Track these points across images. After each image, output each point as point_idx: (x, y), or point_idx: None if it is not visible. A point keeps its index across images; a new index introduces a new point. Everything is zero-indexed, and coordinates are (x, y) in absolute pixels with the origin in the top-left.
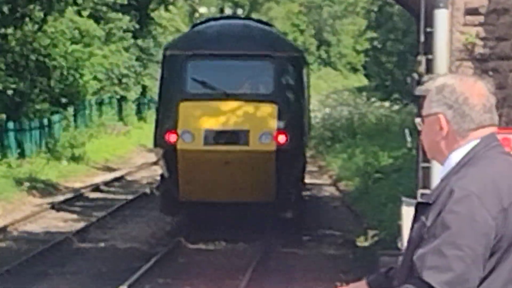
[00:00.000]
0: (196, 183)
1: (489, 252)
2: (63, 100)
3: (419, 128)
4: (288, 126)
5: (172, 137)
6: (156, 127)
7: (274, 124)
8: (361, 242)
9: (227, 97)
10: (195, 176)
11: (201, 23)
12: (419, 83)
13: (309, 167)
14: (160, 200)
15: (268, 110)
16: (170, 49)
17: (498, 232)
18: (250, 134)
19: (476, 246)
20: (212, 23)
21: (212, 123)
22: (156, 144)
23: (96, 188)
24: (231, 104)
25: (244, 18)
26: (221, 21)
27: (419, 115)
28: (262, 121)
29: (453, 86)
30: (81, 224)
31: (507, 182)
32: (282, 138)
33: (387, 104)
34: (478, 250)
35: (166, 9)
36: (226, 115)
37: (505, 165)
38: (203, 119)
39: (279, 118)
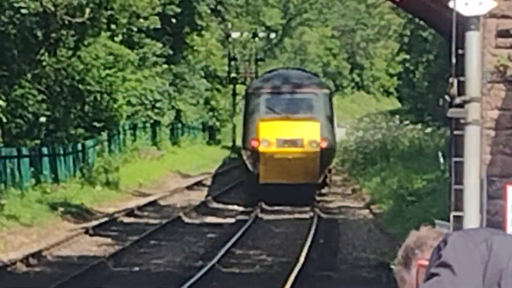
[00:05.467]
0: (270, 171)
1: None
2: (97, 125)
3: None
4: (326, 136)
5: (255, 144)
6: (244, 137)
7: (318, 135)
8: (395, 265)
9: (288, 118)
10: (270, 167)
11: (270, 71)
12: (451, 105)
13: (343, 190)
14: (245, 184)
15: (314, 126)
16: (251, 88)
17: None
18: (304, 141)
19: None
20: (276, 72)
21: (280, 134)
22: (244, 148)
23: (130, 212)
24: (292, 123)
25: (297, 69)
26: (282, 70)
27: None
28: (311, 133)
29: None
30: (115, 249)
31: None
32: (323, 144)
33: (419, 126)
34: None
35: (199, 34)
36: (289, 129)
37: None
38: (274, 132)
39: (321, 131)
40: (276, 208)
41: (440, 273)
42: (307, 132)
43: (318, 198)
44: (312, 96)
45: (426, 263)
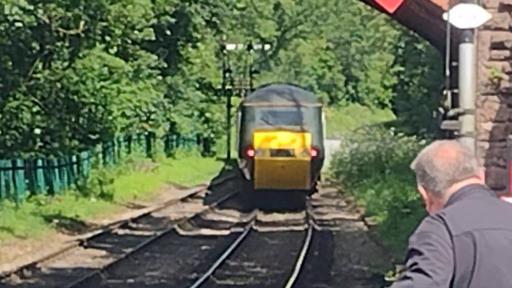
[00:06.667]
0: (264, 178)
1: None
2: (92, 137)
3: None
4: (316, 146)
5: (250, 153)
6: (240, 147)
7: (308, 145)
8: (390, 277)
9: (281, 129)
10: (264, 174)
11: (264, 85)
12: (445, 117)
13: (337, 202)
14: (242, 190)
15: (305, 137)
16: (246, 102)
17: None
18: (295, 150)
19: None
20: (270, 86)
21: (273, 144)
22: (240, 156)
23: (124, 224)
24: (284, 134)
25: (290, 84)
26: (275, 85)
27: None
28: (302, 143)
29: (419, 159)
30: (110, 261)
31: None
32: (313, 153)
33: (414, 138)
34: None
35: (194, 46)
36: (281, 139)
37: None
38: (268, 142)
39: (311, 141)
40: (271, 220)
41: (414, 277)
42: (299, 142)
43: (313, 211)
44: (303, 109)
45: (422, 190)
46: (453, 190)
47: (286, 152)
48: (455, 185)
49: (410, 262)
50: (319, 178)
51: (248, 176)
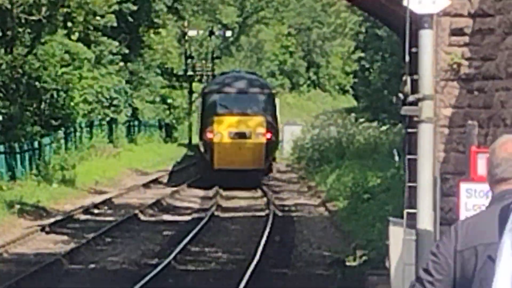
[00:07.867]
0: (223, 159)
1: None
2: (54, 122)
3: None
4: (270, 129)
5: (210, 135)
6: (201, 130)
7: (263, 128)
8: (350, 261)
9: (239, 114)
10: (223, 155)
11: (225, 73)
12: (404, 103)
13: (299, 188)
14: (202, 170)
15: (260, 120)
16: (207, 88)
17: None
18: (252, 133)
19: None
20: (229, 74)
21: (232, 127)
22: (200, 139)
23: (86, 210)
24: (241, 118)
25: (247, 72)
26: (235, 73)
27: None
28: (258, 126)
29: (491, 148)
30: (71, 246)
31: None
32: (268, 135)
33: (375, 124)
34: None
35: (156, 32)
36: (239, 123)
37: (485, 215)
38: (226, 125)
39: (266, 125)
40: (232, 205)
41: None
42: (254, 126)
43: (274, 196)
44: (258, 95)
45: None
46: (496, 191)
47: (243, 135)
48: (500, 185)
49: (422, 266)
50: (274, 160)
51: (208, 158)
